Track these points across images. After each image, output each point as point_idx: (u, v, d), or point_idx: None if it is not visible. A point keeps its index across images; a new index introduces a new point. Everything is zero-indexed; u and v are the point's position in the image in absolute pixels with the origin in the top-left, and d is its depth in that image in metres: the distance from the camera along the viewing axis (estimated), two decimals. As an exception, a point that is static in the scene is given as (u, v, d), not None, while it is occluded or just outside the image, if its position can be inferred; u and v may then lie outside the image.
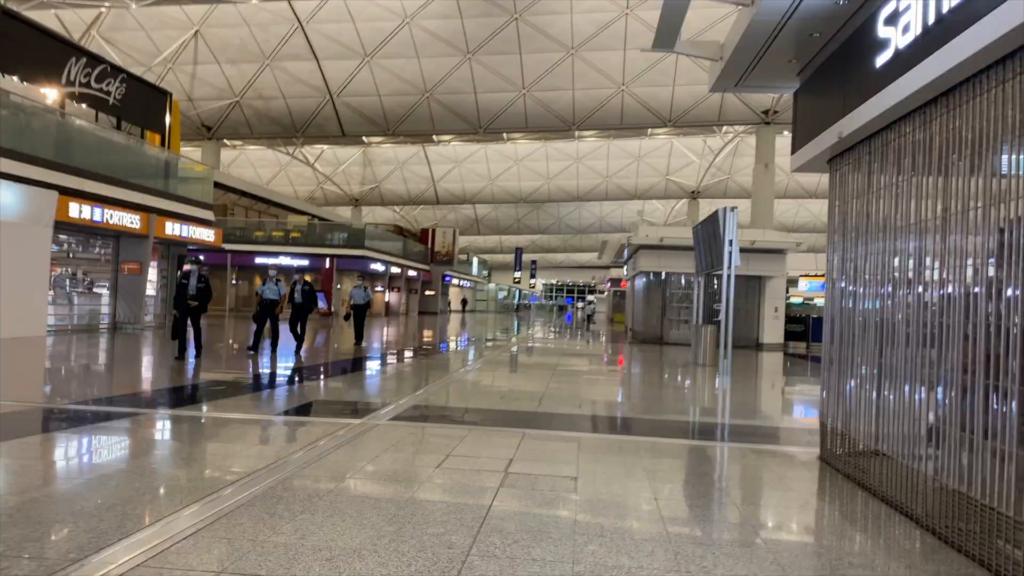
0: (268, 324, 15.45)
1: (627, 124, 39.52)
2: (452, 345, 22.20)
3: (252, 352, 14.91)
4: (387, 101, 39.07)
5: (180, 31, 35.83)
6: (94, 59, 19.35)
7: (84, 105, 19.26)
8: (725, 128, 45.24)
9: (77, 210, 17.68)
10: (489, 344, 24.13)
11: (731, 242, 15.15)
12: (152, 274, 22.69)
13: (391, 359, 16.72)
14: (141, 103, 21.27)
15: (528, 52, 36.31)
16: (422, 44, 36.12)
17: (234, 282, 35.80)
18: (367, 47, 36.41)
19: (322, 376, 12.69)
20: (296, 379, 12.00)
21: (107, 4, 31.78)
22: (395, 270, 41.66)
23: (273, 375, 12.42)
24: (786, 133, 46.18)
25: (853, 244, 6.53)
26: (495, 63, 36.85)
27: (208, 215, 23.31)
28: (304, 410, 8.82)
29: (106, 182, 18.59)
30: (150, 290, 22.51)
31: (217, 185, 38.23)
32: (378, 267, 38.68)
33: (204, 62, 37.31)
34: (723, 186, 52.25)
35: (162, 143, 22.23)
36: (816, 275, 28.23)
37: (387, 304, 42.70)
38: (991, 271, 4.40)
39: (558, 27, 35.13)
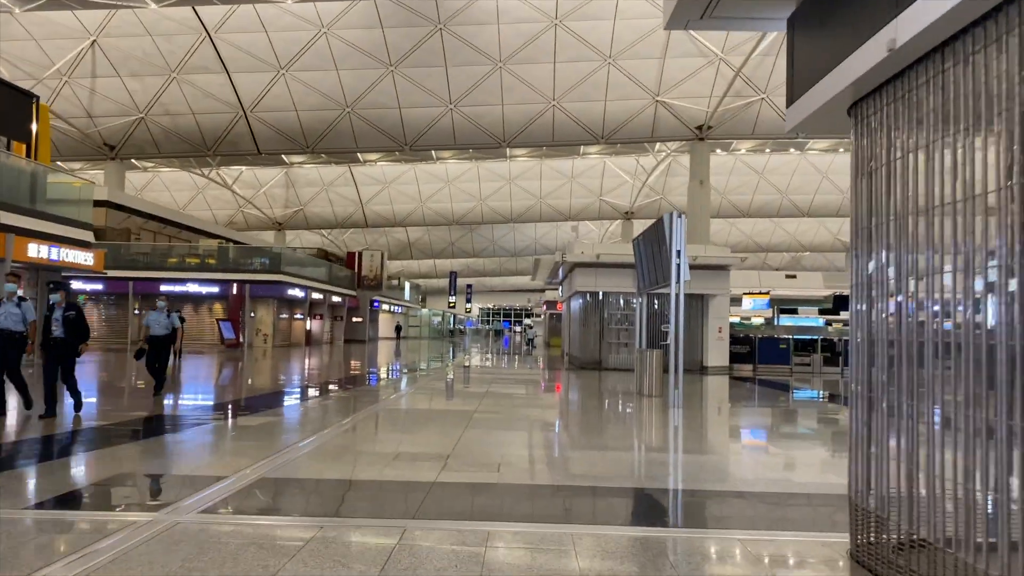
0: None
1: (559, 140, 37.31)
2: (360, 381, 19.28)
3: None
4: (305, 116, 36.09)
5: (75, 41, 32.34)
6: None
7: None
8: (658, 147, 43.60)
9: (-99, 228, 14.37)
10: (409, 376, 21.30)
11: (679, 252, 12.76)
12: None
13: (263, 404, 13.79)
14: (-3, 106, 18.02)
15: (454, 65, 33.88)
16: (341, 56, 33.37)
17: (136, 311, 32.16)
18: (281, 59, 33.48)
19: (115, 437, 8.93)
20: (58, 448, 8.10)
21: (-14, 9, 28.22)
22: (317, 296, 38.41)
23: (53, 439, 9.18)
24: (719, 151, 44.81)
25: (898, 232, 4.08)
26: (420, 76, 34.30)
27: (85, 236, 20.01)
28: (68, 500, 5.88)
29: (-57, 195, 15.32)
30: (14, 323, 19.08)
31: (119, 207, 34.76)
32: (297, 293, 35.44)
33: (104, 75, 33.83)
34: (656, 206, 50.55)
35: (28, 153, 18.95)
36: (760, 293, 26.26)
37: (308, 332, 39.34)
38: None
39: (485, 38, 32.82)
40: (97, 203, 33.29)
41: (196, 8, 30.38)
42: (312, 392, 15.36)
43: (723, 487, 6.83)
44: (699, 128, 35.48)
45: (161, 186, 51.04)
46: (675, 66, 33.60)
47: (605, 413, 12.70)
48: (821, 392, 18.75)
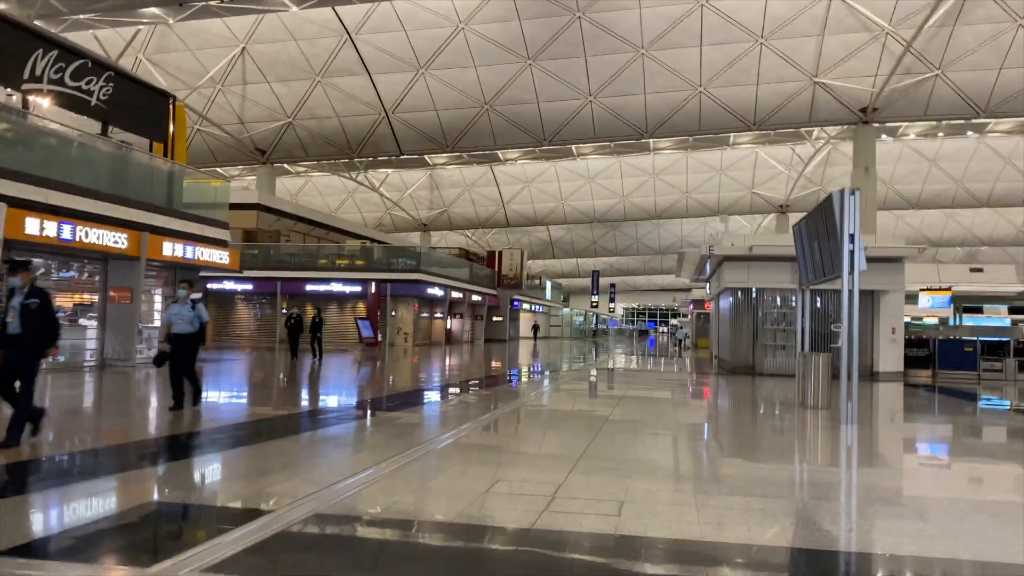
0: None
1: (706, 129, 34.64)
2: (487, 383, 17.82)
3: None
4: (444, 115, 35.39)
5: (226, 49, 33.12)
6: (69, 52, 16.04)
7: (56, 105, 15.99)
8: (816, 134, 39.93)
9: (36, 226, 14.22)
10: (538, 380, 19.74)
11: (853, 236, 10.43)
12: (156, 302, 19.32)
13: (375, 407, 12.54)
14: (134, 106, 17.90)
15: (593, 54, 32.06)
16: (479, 51, 32.34)
17: (284, 310, 32.49)
18: (420, 57, 32.86)
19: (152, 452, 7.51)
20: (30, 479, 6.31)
21: (145, 21, 29.19)
22: (456, 295, 37.66)
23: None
24: (885, 137, 40.36)
25: None
26: (558, 68, 32.71)
27: (221, 234, 19.79)
28: (32, 548, 4.56)
29: (78, 193, 15.18)
30: (155, 321, 19.13)
31: (269, 210, 35.43)
32: (437, 292, 34.78)
33: (253, 81, 34.50)
34: (814, 198, 46.40)
35: (164, 152, 18.88)
36: (940, 289, 22.51)
37: (448, 331, 38.68)
38: None
39: (625, 25, 30.79)
40: (249, 206, 34.09)
41: (336, 9, 30.18)
42: (431, 395, 14.07)
43: (947, 550, 4.70)
44: (863, 110, 31.87)
45: (314, 191, 52.32)
46: (835, 43, 30.26)
47: (761, 430, 10.55)
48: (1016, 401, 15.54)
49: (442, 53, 32.53)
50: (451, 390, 15.27)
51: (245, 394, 14.05)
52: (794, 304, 20.73)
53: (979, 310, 28.51)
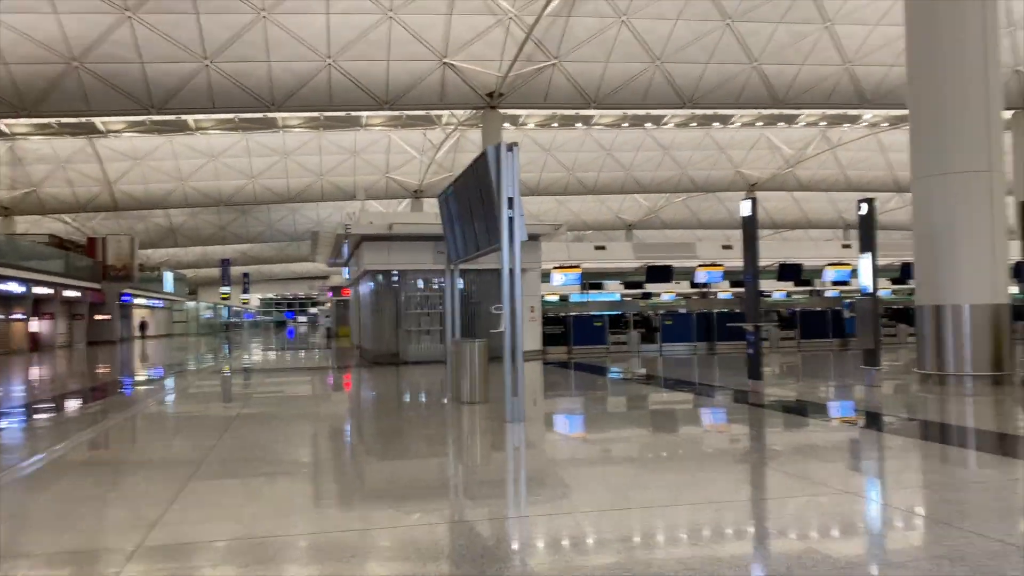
0: None
1: (337, 105, 32.02)
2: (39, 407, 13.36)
3: None
4: (18, 71, 28.07)
5: None
6: None
7: None
8: (445, 119, 39.69)
9: None
10: (124, 392, 15.65)
11: (511, 201, 8.64)
12: None
13: None
14: None
15: (207, 12, 27.54)
16: (60, -6, 25.97)
17: None
18: (-24, -5, 25.47)
19: None
20: None
21: None
22: (43, 290, 30.45)
23: None
24: (508, 126, 41.47)
25: None
26: (165, 24, 27.59)
27: None
28: None
29: None
30: None
31: None
32: (14, 288, 27.62)
33: None
34: (447, 183, 46.59)
35: None
36: (571, 267, 22.96)
37: (34, 336, 31.19)
38: None
39: (242, -18, 26.88)
40: None
41: None
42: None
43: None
44: (490, 95, 31.82)
45: None
46: (463, 24, 29.58)
47: (409, 446, 8.23)
48: (653, 375, 15.59)
49: (8, -7, 25.55)
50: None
51: None
52: (436, 287, 19.23)
53: (600, 286, 30.18)
